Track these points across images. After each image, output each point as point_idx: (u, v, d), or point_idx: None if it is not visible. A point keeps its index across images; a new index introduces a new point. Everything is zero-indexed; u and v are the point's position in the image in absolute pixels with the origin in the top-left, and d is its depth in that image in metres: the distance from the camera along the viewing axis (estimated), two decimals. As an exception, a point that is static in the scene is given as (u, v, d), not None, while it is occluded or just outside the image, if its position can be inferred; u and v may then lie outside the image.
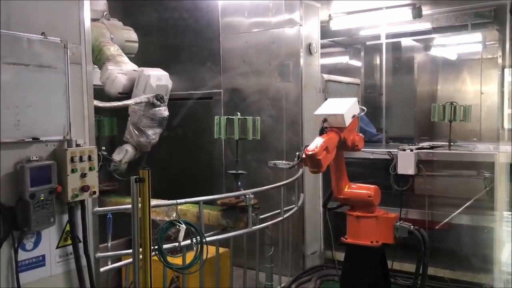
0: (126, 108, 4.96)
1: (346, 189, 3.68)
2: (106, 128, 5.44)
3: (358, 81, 7.65)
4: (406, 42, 8.60)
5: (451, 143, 5.85)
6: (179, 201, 3.69)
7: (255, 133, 4.42)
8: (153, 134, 5.00)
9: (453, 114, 5.47)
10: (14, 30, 2.70)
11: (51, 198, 2.78)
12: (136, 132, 4.96)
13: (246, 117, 4.38)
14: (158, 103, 4.79)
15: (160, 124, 4.99)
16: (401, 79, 8.78)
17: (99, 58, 5.09)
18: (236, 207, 4.26)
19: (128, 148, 5.08)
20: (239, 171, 4.44)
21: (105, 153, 4.70)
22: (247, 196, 4.10)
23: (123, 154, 5.04)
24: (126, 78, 4.92)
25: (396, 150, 5.25)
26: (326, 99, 4.13)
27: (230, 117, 4.41)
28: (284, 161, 4.78)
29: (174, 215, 4.18)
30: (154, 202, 3.38)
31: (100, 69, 5.08)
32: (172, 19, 6.29)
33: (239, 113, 4.43)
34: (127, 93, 4.92)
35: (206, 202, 4.02)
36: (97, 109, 4.45)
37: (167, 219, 4.17)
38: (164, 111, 4.94)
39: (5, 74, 2.63)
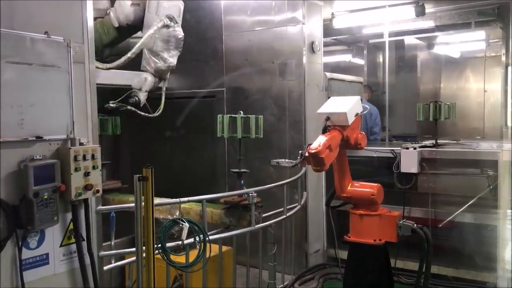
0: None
1: (349, 188, 3.68)
2: (110, 128, 5.38)
3: (361, 79, 7.63)
4: (409, 40, 8.60)
5: (456, 141, 5.86)
6: (182, 199, 3.70)
7: (258, 132, 4.42)
8: (170, 57, 4.73)
9: (438, 112, 5.46)
10: (17, 30, 2.71)
11: (55, 197, 2.79)
12: (153, 57, 4.74)
13: (249, 116, 4.38)
14: (172, 23, 4.61)
15: (177, 46, 4.75)
16: (404, 77, 8.77)
17: (108, 30, 4.98)
18: (239, 205, 4.26)
19: (147, 76, 4.85)
20: (242, 170, 4.44)
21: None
22: (250, 194, 4.10)
23: (143, 82, 4.84)
24: (132, 4, 4.76)
25: (399, 148, 5.24)
26: (329, 98, 4.13)
27: (232, 115, 4.40)
28: (287, 160, 4.79)
29: (177, 214, 4.19)
30: (157, 200, 3.39)
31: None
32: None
33: (241, 112, 4.43)
34: (136, 20, 4.76)
35: (209, 201, 4.03)
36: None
37: (170, 217, 4.17)
38: (178, 31, 4.72)
39: (8, 73, 2.64)
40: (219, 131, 4.42)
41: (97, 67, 3.61)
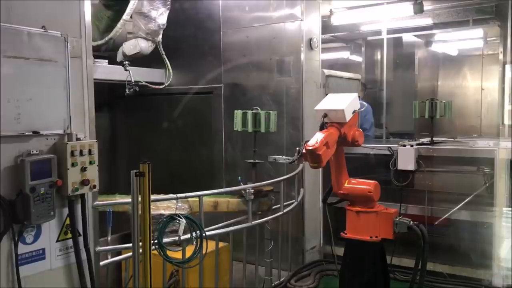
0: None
1: (346, 184, 3.68)
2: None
3: (359, 77, 7.64)
4: (407, 37, 8.60)
5: (453, 139, 5.87)
6: (179, 195, 3.69)
7: (269, 126, 4.65)
8: (159, 15, 4.75)
9: (434, 110, 5.47)
10: (15, 24, 2.70)
11: (51, 192, 2.79)
12: (142, 20, 4.73)
13: (260, 112, 4.60)
14: None
15: (163, 3, 4.77)
16: (402, 75, 8.77)
17: (100, 14, 4.93)
18: (261, 193, 4.41)
19: (141, 43, 4.86)
20: (257, 161, 4.66)
21: None
22: (247, 190, 4.11)
23: (137, 51, 4.85)
24: None
25: (396, 145, 5.25)
26: (326, 94, 4.13)
27: (247, 111, 4.61)
28: (284, 156, 4.79)
29: (186, 206, 4.22)
30: (154, 196, 3.38)
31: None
32: (173, 13, 6.28)
33: (258, 108, 4.66)
34: None
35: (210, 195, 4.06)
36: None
37: (177, 212, 4.16)
38: None
39: (5, 67, 2.63)
40: (236, 124, 4.64)
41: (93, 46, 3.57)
